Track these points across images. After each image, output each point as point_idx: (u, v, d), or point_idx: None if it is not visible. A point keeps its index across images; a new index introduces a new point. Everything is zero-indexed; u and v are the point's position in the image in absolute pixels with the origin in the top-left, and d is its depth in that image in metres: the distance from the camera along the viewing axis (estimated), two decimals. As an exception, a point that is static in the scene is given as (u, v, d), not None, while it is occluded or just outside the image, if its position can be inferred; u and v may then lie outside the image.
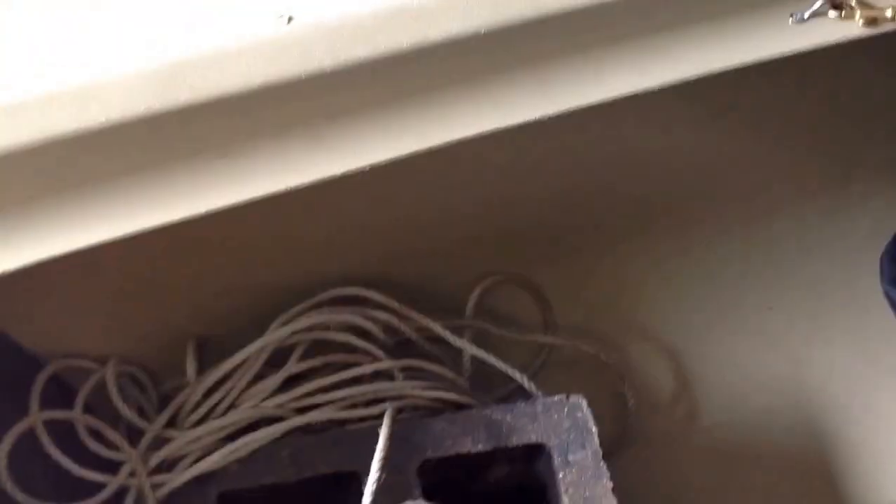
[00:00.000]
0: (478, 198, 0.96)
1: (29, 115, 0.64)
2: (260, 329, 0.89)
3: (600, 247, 1.05)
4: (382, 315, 0.91)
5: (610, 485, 0.83)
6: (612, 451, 0.95)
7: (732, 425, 1.03)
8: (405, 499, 0.82)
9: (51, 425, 0.78)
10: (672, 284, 1.06)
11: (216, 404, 0.85)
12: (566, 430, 0.86)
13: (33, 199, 0.69)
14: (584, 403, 0.87)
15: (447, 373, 0.92)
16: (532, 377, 0.97)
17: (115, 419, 0.85)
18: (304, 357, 0.88)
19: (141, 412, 0.86)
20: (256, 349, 0.86)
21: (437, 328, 0.93)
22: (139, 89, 0.65)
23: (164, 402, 0.87)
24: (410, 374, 0.91)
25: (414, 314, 0.92)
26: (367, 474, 0.80)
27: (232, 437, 0.84)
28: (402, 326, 0.92)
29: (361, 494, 0.80)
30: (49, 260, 0.68)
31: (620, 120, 0.94)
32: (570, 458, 0.84)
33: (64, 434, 0.79)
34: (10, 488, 0.72)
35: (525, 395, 0.95)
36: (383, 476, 0.79)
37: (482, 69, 0.74)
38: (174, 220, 0.71)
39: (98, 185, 0.71)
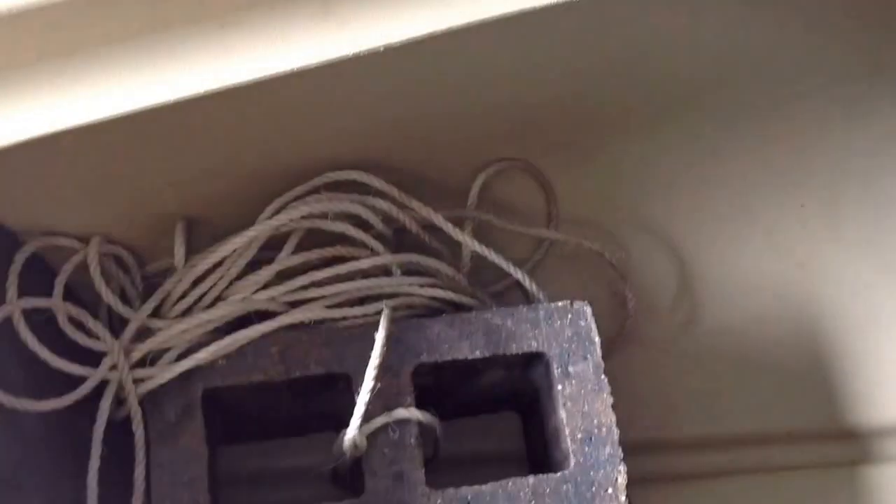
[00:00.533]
0: (486, 82, 0.89)
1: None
2: (253, 213, 0.83)
3: (613, 140, 1.00)
4: (382, 203, 0.86)
5: (610, 400, 0.81)
6: (607, 353, 0.92)
7: (732, 331, 1.00)
8: (397, 403, 0.79)
9: (28, 312, 0.74)
10: (683, 181, 1.01)
11: (204, 294, 0.81)
12: (568, 338, 0.82)
13: (19, 69, 0.63)
14: (589, 311, 0.84)
15: (446, 269, 0.88)
16: (531, 271, 0.94)
17: (95, 306, 0.81)
18: (298, 247, 0.83)
19: (124, 298, 0.82)
20: (249, 237, 0.81)
21: (439, 219, 0.88)
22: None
23: (149, 288, 0.83)
24: (408, 268, 0.87)
25: (415, 203, 0.87)
26: (360, 376, 0.77)
27: (220, 330, 0.80)
28: (402, 216, 0.87)
29: (352, 396, 0.78)
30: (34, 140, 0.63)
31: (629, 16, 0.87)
32: (571, 369, 0.81)
33: (41, 321, 0.75)
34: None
35: (523, 291, 0.91)
36: (378, 385, 0.76)
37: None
38: (166, 102, 0.66)
39: (86, 59, 0.66)
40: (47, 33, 0.64)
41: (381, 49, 0.68)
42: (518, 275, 0.89)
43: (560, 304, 0.84)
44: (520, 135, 0.96)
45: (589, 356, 0.82)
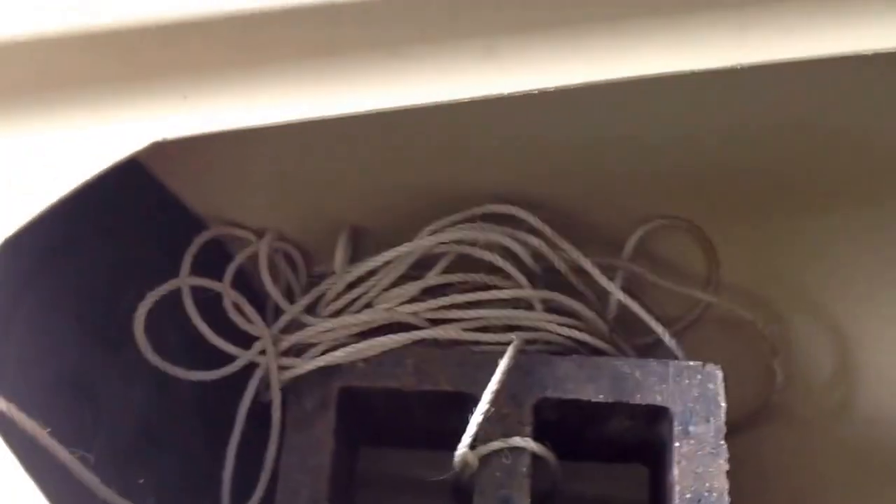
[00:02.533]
0: (661, 138, 0.91)
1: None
2: (412, 229, 0.89)
3: (785, 211, 0.98)
4: (534, 240, 0.89)
5: (726, 466, 0.80)
6: (747, 424, 0.91)
7: (889, 424, 0.96)
8: (516, 432, 0.82)
9: (195, 290, 0.82)
10: (851, 263, 0.98)
11: (355, 299, 0.87)
12: (694, 398, 0.83)
13: (227, 67, 0.70)
14: (720, 375, 0.83)
15: (588, 313, 0.90)
16: (680, 332, 0.94)
17: (261, 295, 0.89)
18: (447, 269, 0.88)
19: (289, 292, 0.89)
20: (403, 253, 0.86)
21: (588, 264, 0.90)
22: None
23: (311, 287, 0.90)
24: (550, 306, 0.90)
25: (566, 245, 0.90)
26: (484, 400, 0.81)
27: (363, 335, 0.86)
28: (552, 255, 0.90)
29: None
30: (228, 131, 0.70)
31: (842, 83, 0.86)
32: (691, 429, 0.82)
33: (206, 300, 0.83)
34: (144, 346, 0.77)
35: (666, 349, 0.92)
36: (492, 409, 0.79)
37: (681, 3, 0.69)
38: (353, 112, 0.71)
39: (285, 65, 0.72)
40: (265, 39, 0.71)
41: (535, 92, 0.71)
42: (659, 330, 0.90)
43: (692, 363, 0.84)
44: (687, 194, 0.96)
45: (712, 419, 0.82)
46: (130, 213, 0.78)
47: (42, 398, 0.66)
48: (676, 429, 0.82)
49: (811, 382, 0.98)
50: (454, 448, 0.88)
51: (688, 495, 0.79)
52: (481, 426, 0.79)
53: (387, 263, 0.87)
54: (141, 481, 0.72)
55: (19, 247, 0.63)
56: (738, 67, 0.70)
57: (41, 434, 0.61)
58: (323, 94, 0.72)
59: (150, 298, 0.77)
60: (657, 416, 0.85)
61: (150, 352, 0.77)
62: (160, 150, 0.68)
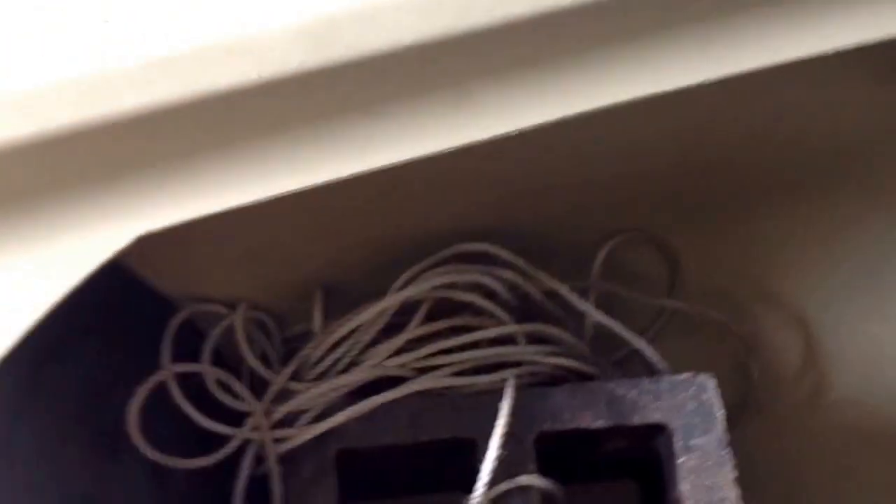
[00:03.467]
0: (615, 153, 0.91)
1: (180, 70, 0.63)
2: (386, 281, 0.88)
3: (743, 209, 1.00)
4: (508, 274, 0.89)
5: (733, 474, 0.81)
6: (730, 424, 0.92)
7: (863, 403, 0.99)
8: (520, 470, 0.82)
9: (179, 376, 0.80)
10: (815, 254, 1.01)
11: (339, 359, 0.85)
12: (690, 412, 0.84)
13: (201, 150, 0.68)
14: (712, 384, 0.85)
15: (569, 338, 0.90)
16: (652, 339, 0.95)
17: (238, 368, 0.86)
18: (427, 315, 0.87)
19: (265, 360, 0.87)
20: (382, 308, 0.85)
21: (564, 291, 0.91)
22: (292, 44, 0.63)
23: (287, 351, 0.88)
24: (532, 337, 0.90)
25: (541, 275, 0.90)
26: (484, 441, 0.80)
27: (353, 393, 0.84)
28: (527, 286, 0.90)
29: (478, 461, 0.80)
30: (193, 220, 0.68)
31: (778, 76, 0.88)
32: (692, 442, 0.82)
33: (192, 384, 0.80)
34: (141, 444, 0.74)
35: (643, 360, 0.92)
36: (505, 452, 0.78)
37: (630, 28, 0.70)
38: (335, 179, 0.70)
39: (263, 141, 0.70)
40: (237, 117, 0.69)
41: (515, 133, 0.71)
42: (641, 346, 0.91)
43: (683, 376, 0.85)
44: (647, 205, 0.97)
45: (712, 429, 0.83)
46: (107, 309, 0.75)
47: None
48: (677, 444, 0.82)
49: (781, 376, 1.01)
50: (450, 493, 0.88)
51: (701, 509, 0.80)
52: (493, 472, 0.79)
53: (367, 320, 0.85)
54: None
55: (8, 368, 0.60)
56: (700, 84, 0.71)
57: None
58: (296, 166, 0.71)
59: (140, 395, 0.75)
60: (655, 432, 0.86)
61: (149, 448, 0.74)
62: (135, 242, 0.66)
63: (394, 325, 0.87)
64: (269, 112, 0.67)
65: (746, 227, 1.01)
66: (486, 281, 0.88)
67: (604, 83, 0.74)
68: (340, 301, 0.90)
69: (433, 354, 0.86)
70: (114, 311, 0.78)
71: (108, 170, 0.64)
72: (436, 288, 0.86)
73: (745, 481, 0.82)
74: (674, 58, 0.72)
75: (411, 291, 0.85)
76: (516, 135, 0.73)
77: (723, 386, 0.86)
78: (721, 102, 0.87)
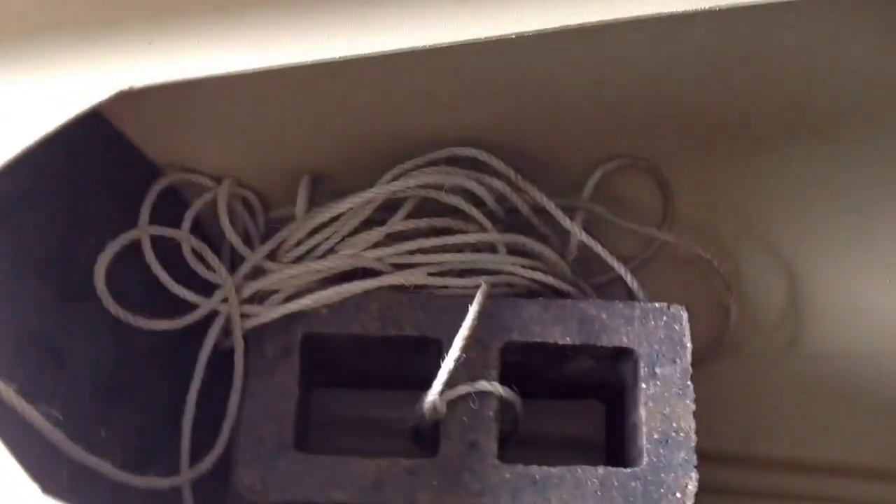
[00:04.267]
0: (615, 78, 0.90)
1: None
2: (374, 177, 0.87)
3: (740, 149, 0.99)
4: (497, 183, 0.89)
5: (692, 406, 0.82)
6: (700, 359, 0.93)
7: (837, 357, 0.99)
8: (482, 376, 0.82)
9: (155, 239, 0.80)
10: (806, 202, 1.00)
11: (317, 245, 0.85)
12: (659, 340, 0.84)
13: (193, 12, 0.67)
14: (685, 316, 0.85)
15: (551, 254, 0.90)
16: (636, 269, 0.95)
17: (219, 242, 0.86)
18: (411, 214, 0.87)
19: (246, 239, 0.87)
20: (365, 199, 0.85)
21: (551, 206, 0.90)
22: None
23: (270, 233, 0.88)
24: (513, 248, 0.89)
25: (529, 187, 0.89)
26: (450, 344, 0.80)
27: (326, 281, 0.84)
28: (515, 198, 0.89)
29: (440, 361, 0.81)
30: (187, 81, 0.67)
31: (787, 11, 0.86)
32: (658, 370, 0.83)
33: (165, 249, 0.80)
34: (105, 298, 0.74)
35: (625, 287, 0.92)
36: (463, 355, 0.79)
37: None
38: (320, 60, 0.69)
39: (253, 11, 0.69)
40: None
41: (513, 37, 0.70)
42: (621, 271, 0.91)
43: (657, 304, 0.85)
44: (644, 134, 0.96)
45: (678, 360, 0.83)
46: (86, 161, 0.75)
47: (5, 356, 0.64)
48: (643, 370, 0.82)
49: (760, 319, 1.00)
50: (414, 391, 0.88)
51: (655, 436, 0.80)
52: (452, 373, 0.79)
53: (350, 209, 0.85)
54: (103, 434, 0.71)
55: None
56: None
57: (5, 391, 0.59)
58: (290, 41, 0.70)
59: (110, 250, 0.75)
60: (622, 356, 0.86)
61: (112, 303, 0.75)
62: (118, 99, 0.65)
63: (376, 221, 0.87)
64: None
65: (743, 169, 0.99)
66: (474, 187, 0.87)
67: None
68: (328, 192, 0.90)
69: (411, 252, 0.85)
70: (97, 167, 0.78)
71: (99, 18, 0.63)
72: (422, 186, 0.86)
73: (704, 417, 0.83)
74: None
75: (397, 186, 0.85)
76: (519, 39, 0.72)
77: (700, 322, 0.86)
78: (730, 34, 0.85)
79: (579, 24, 0.71)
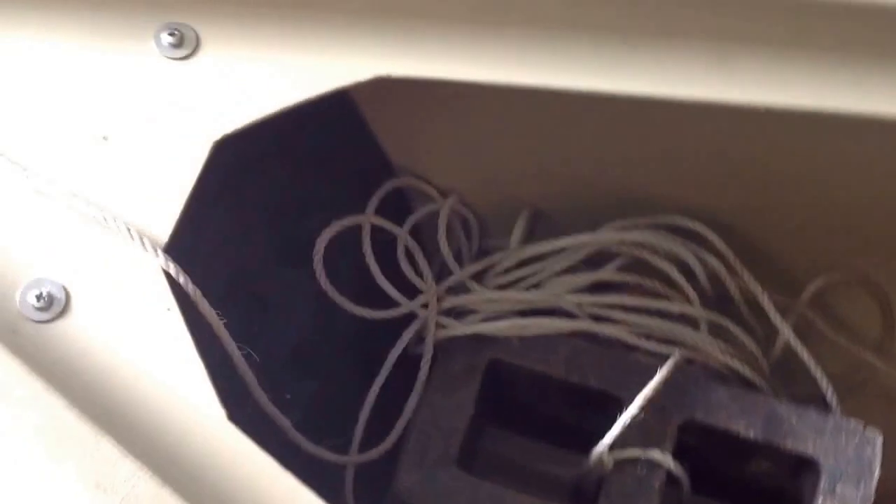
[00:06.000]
0: (867, 185, 0.87)
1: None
2: (592, 223, 0.88)
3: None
4: (713, 261, 0.87)
5: (868, 536, 0.77)
6: (882, 496, 0.87)
7: None
8: (656, 445, 0.80)
9: (373, 231, 0.83)
10: None
11: (524, 277, 0.87)
12: (847, 458, 0.79)
13: (464, 18, 0.71)
14: (879, 442, 0.80)
15: (753, 346, 0.88)
16: (845, 392, 0.90)
17: (429, 252, 0.89)
18: (620, 268, 0.87)
19: (458, 255, 0.89)
20: (580, 243, 0.86)
21: (764, 299, 0.88)
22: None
23: (480, 256, 0.90)
24: (715, 330, 0.87)
25: (746, 274, 0.88)
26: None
27: (523, 314, 0.85)
28: (729, 281, 0.88)
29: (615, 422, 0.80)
30: (442, 83, 0.71)
31: None
32: (839, 488, 0.78)
33: (380, 243, 0.84)
34: (319, 270, 0.78)
35: (823, 405, 0.88)
36: (641, 415, 0.77)
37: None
38: (571, 89, 0.71)
39: (523, 30, 0.72)
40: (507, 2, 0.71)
41: (763, 110, 0.69)
42: (822, 382, 0.87)
43: (851, 422, 0.81)
44: (878, 251, 0.92)
45: (862, 485, 0.78)
46: (329, 140, 0.80)
47: (220, 291, 0.68)
48: (823, 485, 0.78)
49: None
50: (582, 449, 0.87)
51: (823, 555, 0.76)
52: (624, 430, 0.78)
53: (562, 249, 0.86)
54: (288, 396, 0.74)
55: (226, 150, 0.65)
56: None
57: (217, 323, 0.63)
58: (548, 65, 0.72)
59: (335, 227, 0.79)
60: (802, 467, 0.82)
61: (324, 277, 0.79)
62: (373, 87, 0.69)
63: (584, 267, 0.88)
64: (539, 6, 0.69)
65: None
66: (689, 259, 0.86)
67: (877, 91, 0.71)
68: (543, 230, 0.91)
69: (612, 306, 0.85)
70: (337, 149, 0.82)
71: (370, 5, 0.68)
72: (639, 245, 0.86)
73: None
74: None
75: (613, 239, 0.85)
76: (778, 115, 0.71)
77: (893, 462, 0.81)
78: None
79: (864, 114, 0.70)
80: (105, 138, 0.66)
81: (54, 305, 0.61)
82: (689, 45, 0.72)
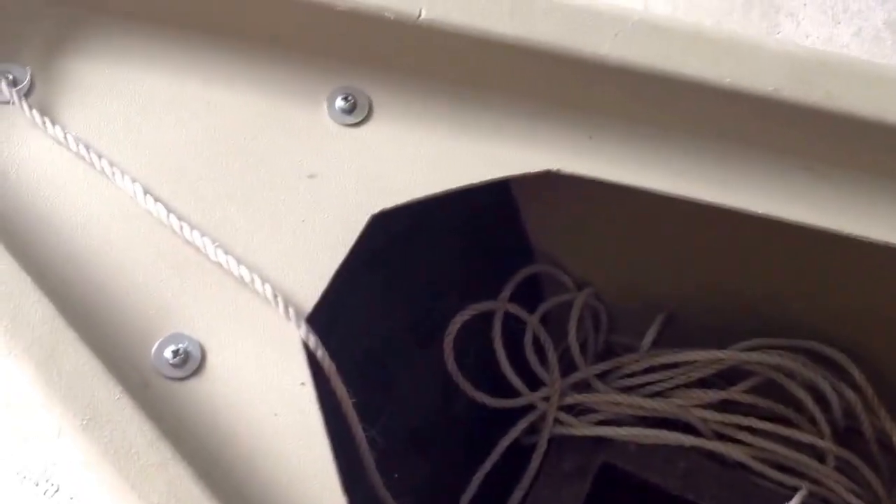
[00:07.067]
0: None
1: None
2: (723, 337, 0.86)
3: None
4: (851, 395, 0.84)
5: None
6: None
7: None
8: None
9: (504, 315, 0.82)
10: None
11: (650, 383, 0.84)
12: None
13: (641, 121, 0.69)
14: None
15: (879, 488, 0.83)
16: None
17: (554, 341, 0.88)
18: (752, 389, 0.84)
19: (583, 346, 0.88)
20: (713, 357, 0.83)
21: (897, 440, 0.84)
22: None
23: (605, 352, 0.88)
24: (841, 465, 0.84)
25: (882, 413, 0.84)
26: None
27: (644, 420, 0.83)
28: (864, 418, 0.84)
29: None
30: (602, 182, 0.69)
31: None
32: None
33: (508, 327, 0.83)
34: (448, 352, 0.77)
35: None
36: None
37: None
38: (739, 208, 0.68)
39: (693, 142, 0.70)
40: (691, 109, 0.70)
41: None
42: (950, 537, 0.82)
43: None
44: None
45: None
46: (476, 223, 0.79)
47: (353, 367, 0.68)
48: None
49: None
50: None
51: None
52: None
53: (694, 361, 0.83)
54: (395, 476, 0.73)
55: (380, 222, 0.64)
56: None
57: (348, 403, 0.62)
58: (710, 180, 0.70)
59: (470, 311, 0.78)
60: None
61: (452, 360, 0.78)
62: (535, 177, 0.68)
63: (713, 383, 0.85)
64: (722, 116, 0.67)
65: None
66: (826, 390, 0.83)
67: None
68: (672, 333, 0.89)
69: (740, 427, 0.82)
70: (483, 232, 0.82)
71: (554, 99, 0.67)
72: (775, 368, 0.83)
73: None
74: None
75: (750, 358, 0.82)
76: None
77: None
78: None
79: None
80: (265, 197, 0.66)
81: (189, 363, 0.59)
82: (860, 179, 0.69)
